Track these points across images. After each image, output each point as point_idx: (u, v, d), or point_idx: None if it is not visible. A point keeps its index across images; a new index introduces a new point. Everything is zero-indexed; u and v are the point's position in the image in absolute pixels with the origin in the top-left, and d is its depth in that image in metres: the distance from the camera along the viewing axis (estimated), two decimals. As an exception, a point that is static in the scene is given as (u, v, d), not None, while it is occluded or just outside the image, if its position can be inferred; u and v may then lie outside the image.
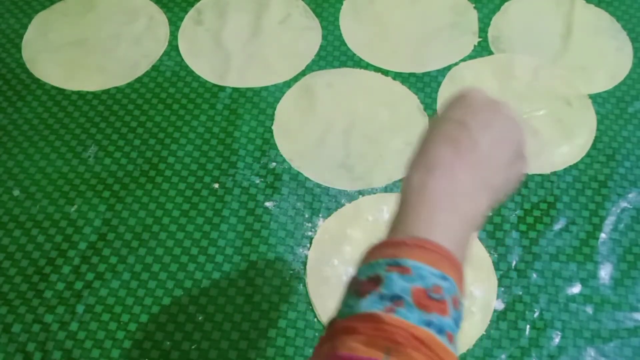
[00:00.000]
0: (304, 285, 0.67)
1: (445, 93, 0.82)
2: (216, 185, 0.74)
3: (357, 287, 0.37)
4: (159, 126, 0.79)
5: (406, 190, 0.40)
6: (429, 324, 0.34)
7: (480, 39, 0.88)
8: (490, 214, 0.72)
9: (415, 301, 0.35)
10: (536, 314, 0.65)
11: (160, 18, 0.90)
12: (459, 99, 0.44)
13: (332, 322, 0.37)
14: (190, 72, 0.84)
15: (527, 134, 0.44)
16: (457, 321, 0.37)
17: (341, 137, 0.78)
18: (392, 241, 0.38)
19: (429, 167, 0.40)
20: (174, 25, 0.89)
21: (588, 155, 0.77)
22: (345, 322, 0.35)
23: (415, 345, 0.33)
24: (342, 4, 0.92)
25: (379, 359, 0.32)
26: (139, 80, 0.83)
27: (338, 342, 0.34)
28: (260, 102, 0.81)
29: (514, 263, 0.69)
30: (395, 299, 0.35)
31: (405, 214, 0.39)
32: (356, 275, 0.38)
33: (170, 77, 0.84)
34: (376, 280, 0.36)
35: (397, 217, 0.40)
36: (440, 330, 0.34)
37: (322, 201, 0.73)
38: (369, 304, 0.35)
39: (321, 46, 0.87)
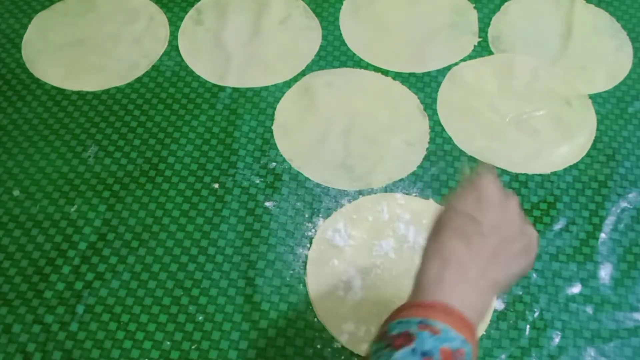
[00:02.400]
0: (304, 285, 0.67)
1: (445, 93, 0.82)
2: (216, 185, 0.74)
3: (390, 341, 0.41)
4: (159, 126, 0.79)
5: (423, 278, 0.45)
6: None
7: (480, 39, 0.88)
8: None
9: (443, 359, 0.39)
10: (536, 314, 0.65)
11: (160, 18, 0.90)
12: (472, 190, 0.48)
13: None
14: (190, 72, 0.84)
15: (534, 235, 0.49)
16: None
17: (341, 137, 0.78)
18: (423, 303, 0.43)
19: (445, 260, 0.45)
20: (174, 25, 0.89)
21: (588, 155, 0.77)
22: None
23: None
24: (342, 4, 0.92)
25: None
26: (139, 80, 0.83)
27: None
28: (260, 102, 0.81)
29: (514, 263, 0.69)
30: (426, 355, 0.39)
31: (423, 290, 0.44)
32: (386, 330, 0.42)
33: (170, 77, 0.84)
34: (408, 337, 0.40)
35: (424, 282, 0.45)
36: None
37: (322, 201, 0.73)
38: (402, 357, 0.39)
39: (321, 46, 0.87)
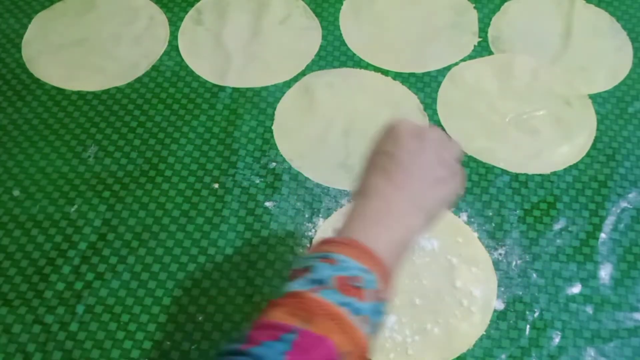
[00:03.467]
0: (304, 285, 0.67)
1: (445, 93, 0.82)
2: (216, 185, 0.74)
3: (291, 275, 0.44)
4: (159, 126, 0.79)
5: (347, 214, 0.47)
6: (346, 304, 0.40)
7: (480, 39, 0.88)
8: (491, 213, 0.72)
9: (336, 286, 0.41)
10: (536, 314, 0.65)
11: (160, 18, 0.90)
12: (388, 131, 0.50)
13: (268, 302, 0.43)
14: (190, 72, 0.84)
15: (458, 152, 0.50)
16: (376, 311, 0.42)
17: (341, 137, 0.78)
18: (328, 240, 0.45)
19: (366, 194, 0.47)
20: (174, 25, 0.89)
21: (588, 155, 0.77)
22: (276, 299, 0.42)
23: (329, 318, 0.39)
24: (342, 4, 0.92)
25: (296, 324, 0.39)
26: (139, 80, 0.83)
27: (267, 312, 0.41)
28: (260, 102, 0.81)
29: (514, 263, 0.69)
30: (320, 283, 0.41)
31: (345, 228, 0.46)
32: (293, 266, 0.45)
33: (170, 77, 0.84)
34: (307, 269, 0.42)
35: (345, 223, 0.46)
36: (357, 311, 0.40)
37: (322, 201, 0.73)
38: (297, 286, 0.42)
39: (321, 46, 0.87)
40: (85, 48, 0.86)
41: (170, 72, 0.84)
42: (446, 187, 0.49)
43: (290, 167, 0.75)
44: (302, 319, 0.39)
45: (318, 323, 0.39)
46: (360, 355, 0.41)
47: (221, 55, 0.86)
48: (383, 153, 0.49)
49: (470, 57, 0.86)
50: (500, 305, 0.66)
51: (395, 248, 0.45)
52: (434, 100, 0.81)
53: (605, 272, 0.68)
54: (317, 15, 0.90)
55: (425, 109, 0.81)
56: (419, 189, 0.47)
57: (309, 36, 0.88)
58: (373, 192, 0.47)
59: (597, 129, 0.80)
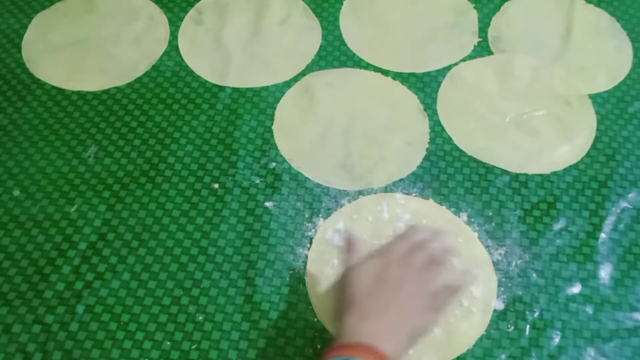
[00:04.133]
0: (304, 285, 0.67)
1: (445, 93, 0.82)
2: (216, 185, 0.74)
3: None
4: (159, 126, 0.79)
5: (345, 328, 0.52)
6: None
7: (480, 39, 0.88)
8: (491, 213, 0.72)
9: None
10: (536, 314, 0.65)
11: (160, 18, 0.90)
12: (381, 250, 0.56)
13: None
14: (190, 72, 0.84)
15: (436, 289, 0.54)
16: None
17: (341, 137, 0.78)
18: (347, 345, 0.50)
19: (361, 317, 0.52)
20: (174, 25, 0.89)
21: (588, 155, 0.77)
22: None
23: None
24: (342, 4, 0.92)
25: None
26: (139, 80, 0.83)
27: None
28: (260, 102, 0.81)
29: (514, 263, 0.69)
30: None
31: (353, 329, 0.51)
32: None
33: (170, 77, 0.84)
34: None
35: (346, 329, 0.52)
36: None
37: (322, 201, 0.73)
38: None
39: (321, 46, 0.87)
40: (85, 48, 0.86)
41: (170, 72, 0.84)
42: (426, 317, 0.53)
43: (290, 167, 0.75)
44: None
45: None
46: None
47: (221, 55, 0.86)
48: (372, 276, 0.54)
49: (470, 57, 0.86)
50: (500, 305, 0.66)
51: (398, 348, 0.51)
52: (434, 100, 0.81)
53: (605, 272, 0.68)
54: (317, 15, 0.90)
55: (425, 109, 0.81)
56: (404, 317, 0.52)
57: (309, 36, 0.88)
58: (367, 317, 0.52)
59: (597, 129, 0.80)
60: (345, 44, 0.87)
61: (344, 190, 0.73)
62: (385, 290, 0.53)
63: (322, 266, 0.68)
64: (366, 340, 0.50)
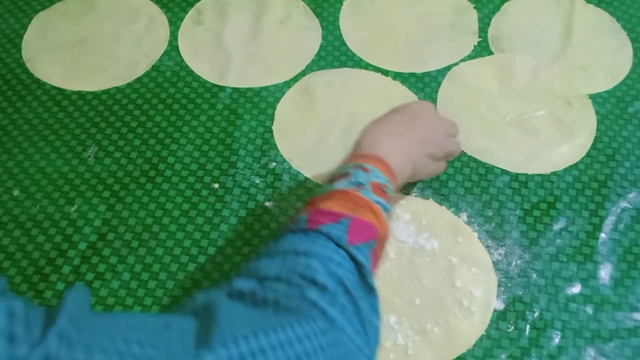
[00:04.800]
0: (304, 285, 0.67)
1: (445, 93, 0.82)
2: (216, 185, 0.74)
3: (332, 179, 0.57)
4: (159, 126, 0.79)
5: (362, 141, 0.61)
6: (379, 202, 0.54)
7: (480, 39, 0.88)
8: (491, 213, 0.72)
9: (372, 188, 0.54)
10: (536, 314, 0.65)
11: (160, 18, 0.90)
12: (415, 102, 0.72)
13: (311, 200, 0.55)
14: (190, 72, 0.84)
15: (451, 145, 0.68)
16: (389, 210, 0.56)
17: (341, 137, 0.78)
18: (360, 154, 0.59)
19: (382, 132, 0.62)
20: (174, 25, 0.89)
21: (588, 155, 0.77)
22: (324, 195, 0.54)
23: (370, 211, 0.53)
24: (342, 4, 0.92)
25: (349, 213, 0.51)
26: (139, 80, 0.83)
27: (318, 204, 0.53)
28: (260, 102, 0.81)
29: (514, 263, 0.69)
30: (359, 184, 0.54)
31: (370, 144, 0.60)
32: (331, 175, 0.58)
33: (170, 77, 0.84)
34: (346, 174, 0.56)
35: (364, 144, 0.61)
36: (386, 209, 0.55)
37: (322, 201, 0.73)
38: (341, 185, 0.55)
39: (321, 46, 0.87)
40: (85, 48, 0.86)
41: (170, 72, 0.84)
42: (433, 164, 0.66)
43: (290, 167, 0.75)
44: (351, 210, 0.52)
45: (363, 213, 0.52)
46: (384, 240, 0.54)
47: (221, 55, 0.86)
48: (403, 113, 0.66)
49: (470, 57, 0.86)
50: (500, 305, 0.66)
51: (400, 172, 0.59)
52: (434, 100, 0.81)
53: (605, 272, 0.68)
54: (317, 15, 0.90)
55: (425, 109, 0.81)
56: (416, 141, 0.63)
57: (309, 36, 0.88)
58: (384, 130, 0.62)
59: (597, 129, 0.80)
60: (345, 44, 0.87)
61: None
62: (407, 120, 0.64)
63: (322, 266, 0.68)
64: (380, 154, 0.58)
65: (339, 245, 0.49)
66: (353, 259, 0.49)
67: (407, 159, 0.61)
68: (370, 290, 0.49)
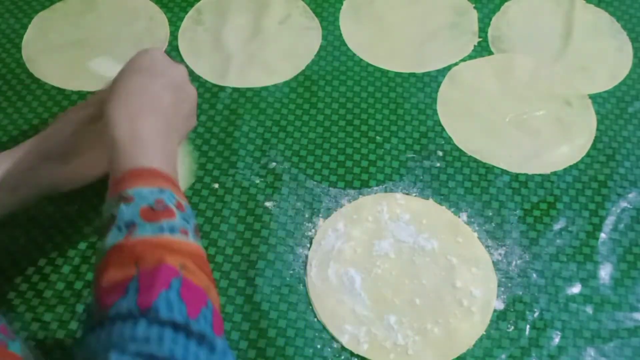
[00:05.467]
0: (304, 285, 0.67)
1: (445, 93, 0.82)
2: (216, 185, 0.74)
3: (101, 231, 0.45)
4: (159, 126, 0.79)
5: (117, 135, 0.49)
6: (161, 229, 0.43)
7: (480, 39, 0.88)
8: (491, 213, 0.72)
9: (145, 218, 0.43)
10: (536, 314, 0.65)
11: (160, 18, 0.90)
12: (143, 55, 0.57)
13: (94, 271, 0.45)
14: (191, 72, 0.84)
15: (195, 96, 0.60)
16: (187, 218, 0.46)
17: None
18: (115, 180, 0.47)
19: (134, 114, 0.50)
20: (174, 25, 0.89)
21: (588, 155, 0.77)
22: (100, 263, 0.43)
23: (154, 249, 0.42)
24: (342, 4, 0.92)
25: (132, 272, 0.41)
26: (139, 80, 0.83)
27: (99, 279, 0.42)
28: (261, 102, 0.81)
29: (514, 263, 0.69)
30: (129, 225, 0.43)
31: (121, 154, 0.48)
32: (99, 222, 0.48)
33: (170, 77, 0.84)
34: (112, 218, 0.44)
35: (115, 160, 0.48)
36: (172, 230, 0.44)
37: (322, 201, 0.73)
38: (111, 240, 0.43)
39: (321, 46, 0.87)
40: (86, 48, 0.86)
41: (170, 72, 0.84)
42: (190, 121, 0.59)
43: (290, 167, 0.75)
44: (133, 265, 0.41)
45: (147, 259, 0.42)
46: (200, 257, 0.46)
47: (221, 55, 0.86)
48: (144, 75, 0.54)
49: (470, 57, 0.86)
50: (500, 305, 0.66)
51: (169, 159, 0.50)
52: (434, 100, 0.81)
53: (605, 272, 0.68)
54: (317, 15, 0.90)
55: (425, 109, 0.81)
56: (176, 117, 0.54)
57: (309, 36, 0.88)
58: (140, 115, 0.50)
59: (597, 129, 0.80)
60: (345, 44, 0.87)
61: (344, 190, 0.73)
62: (149, 81, 0.53)
63: (322, 266, 0.68)
64: (139, 153, 0.48)
65: (136, 317, 0.39)
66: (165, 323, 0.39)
67: (170, 134, 0.52)
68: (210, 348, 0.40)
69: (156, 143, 0.49)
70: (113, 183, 0.47)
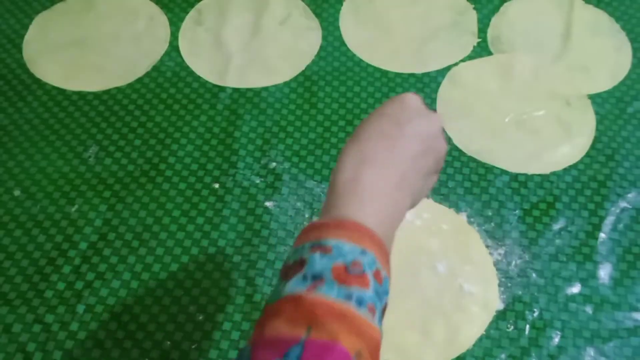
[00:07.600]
0: (304, 285, 0.67)
1: (445, 93, 0.82)
2: (216, 185, 0.74)
3: (285, 272, 0.40)
4: (160, 126, 0.79)
5: (339, 178, 0.43)
6: (349, 297, 0.36)
7: (480, 39, 0.88)
8: (491, 213, 0.72)
9: (335, 277, 0.37)
10: (536, 314, 0.66)
11: (161, 18, 0.90)
12: (397, 100, 0.48)
13: (264, 308, 0.39)
14: (191, 73, 0.84)
15: (445, 151, 0.48)
16: (380, 294, 0.39)
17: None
18: (317, 224, 0.41)
19: (364, 159, 0.43)
20: (175, 25, 0.89)
21: (588, 155, 0.77)
22: (272, 305, 0.38)
23: (334, 318, 0.35)
24: (342, 4, 0.92)
25: (301, 335, 0.35)
26: (139, 80, 0.83)
27: (265, 323, 0.37)
28: (261, 102, 0.81)
29: (513, 263, 0.69)
30: (317, 277, 0.37)
31: (337, 199, 0.42)
32: (286, 261, 0.41)
33: (170, 77, 0.84)
34: (301, 263, 0.38)
35: (328, 203, 0.43)
36: (361, 302, 0.37)
37: (322, 201, 0.73)
38: (292, 286, 0.38)
39: (321, 46, 0.87)
40: (86, 48, 0.86)
41: (170, 73, 0.84)
42: (431, 179, 0.48)
43: (290, 167, 0.75)
44: (304, 326, 0.35)
45: (323, 327, 0.35)
46: (376, 347, 0.38)
47: (221, 55, 0.86)
48: (391, 118, 0.46)
49: (470, 57, 0.86)
50: (500, 305, 0.66)
51: (389, 224, 0.43)
52: (434, 100, 0.82)
53: (604, 272, 0.68)
54: (317, 15, 0.90)
55: (425, 109, 0.81)
56: (414, 170, 0.45)
57: (309, 36, 0.88)
58: (372, 160, 0.44)
59: (597, 129, 0.80)
60: (345, 44, 0.87)
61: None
62: (391, 130, 0.45)
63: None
64: (355, 201, 0.41)
65: None
66: None
67: (401, 192, 0.44)
68: None
69: (379, 196, 0.42)
70: (316, 225, 0.41)
